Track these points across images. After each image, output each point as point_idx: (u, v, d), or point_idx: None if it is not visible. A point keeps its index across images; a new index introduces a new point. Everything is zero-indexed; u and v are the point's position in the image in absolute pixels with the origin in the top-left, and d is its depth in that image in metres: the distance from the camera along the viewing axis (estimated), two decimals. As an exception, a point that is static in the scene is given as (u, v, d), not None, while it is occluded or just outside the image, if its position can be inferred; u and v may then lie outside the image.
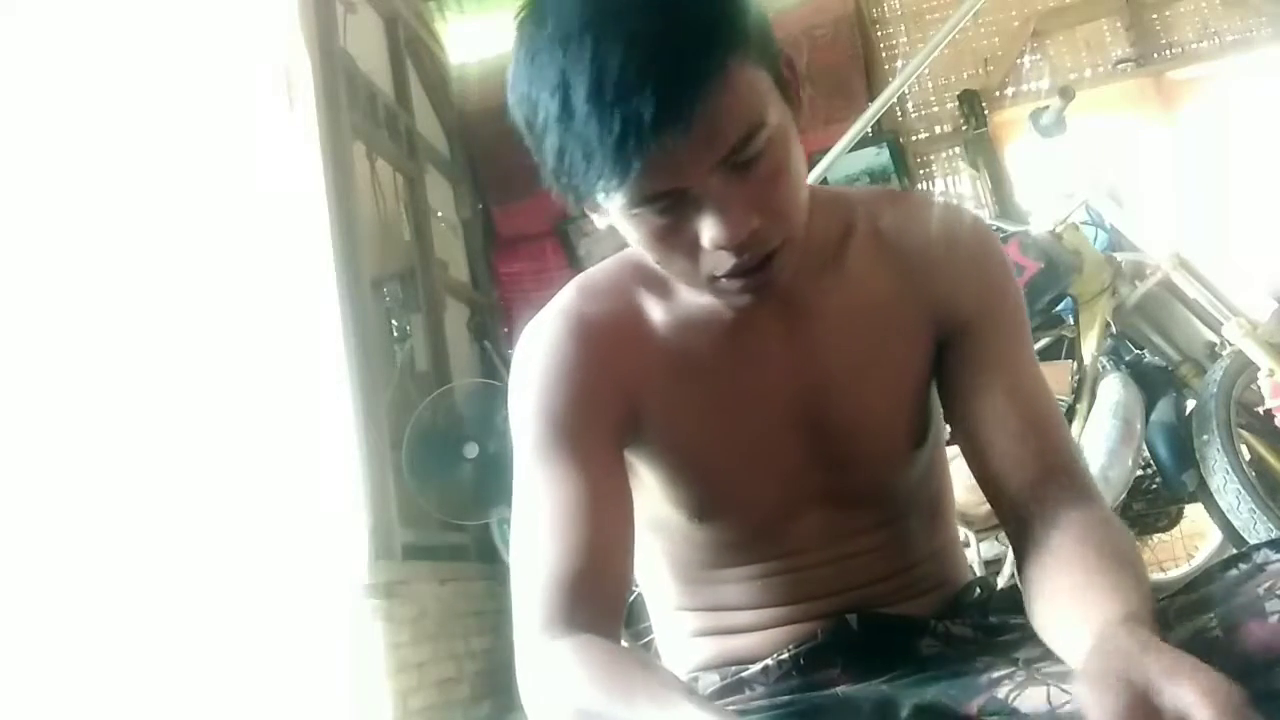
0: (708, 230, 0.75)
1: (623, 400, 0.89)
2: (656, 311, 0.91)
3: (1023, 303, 0.97)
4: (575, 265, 4.25)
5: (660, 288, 0.92)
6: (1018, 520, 0.86)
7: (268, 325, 2.88)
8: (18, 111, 2.99)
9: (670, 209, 0.75)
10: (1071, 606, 0.73)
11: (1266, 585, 0.70)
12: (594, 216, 0.84)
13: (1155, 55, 4.26)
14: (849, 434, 0.91)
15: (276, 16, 3.02)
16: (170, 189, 2.95)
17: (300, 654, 2.63)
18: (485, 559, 3.43)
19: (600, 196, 0.76)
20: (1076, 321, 2.57)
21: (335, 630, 2.66)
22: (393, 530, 2.87)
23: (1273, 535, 2.13)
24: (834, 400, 0.90)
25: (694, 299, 0.90)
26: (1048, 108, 2.89)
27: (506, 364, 4.10)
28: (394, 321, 3.49)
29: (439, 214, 4.04)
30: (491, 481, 3.35)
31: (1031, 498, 0.85)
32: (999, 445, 0.88)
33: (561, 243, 4.36)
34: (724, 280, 0.79)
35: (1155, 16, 4.29)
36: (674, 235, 0.77)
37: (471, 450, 3.33)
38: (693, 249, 0.77)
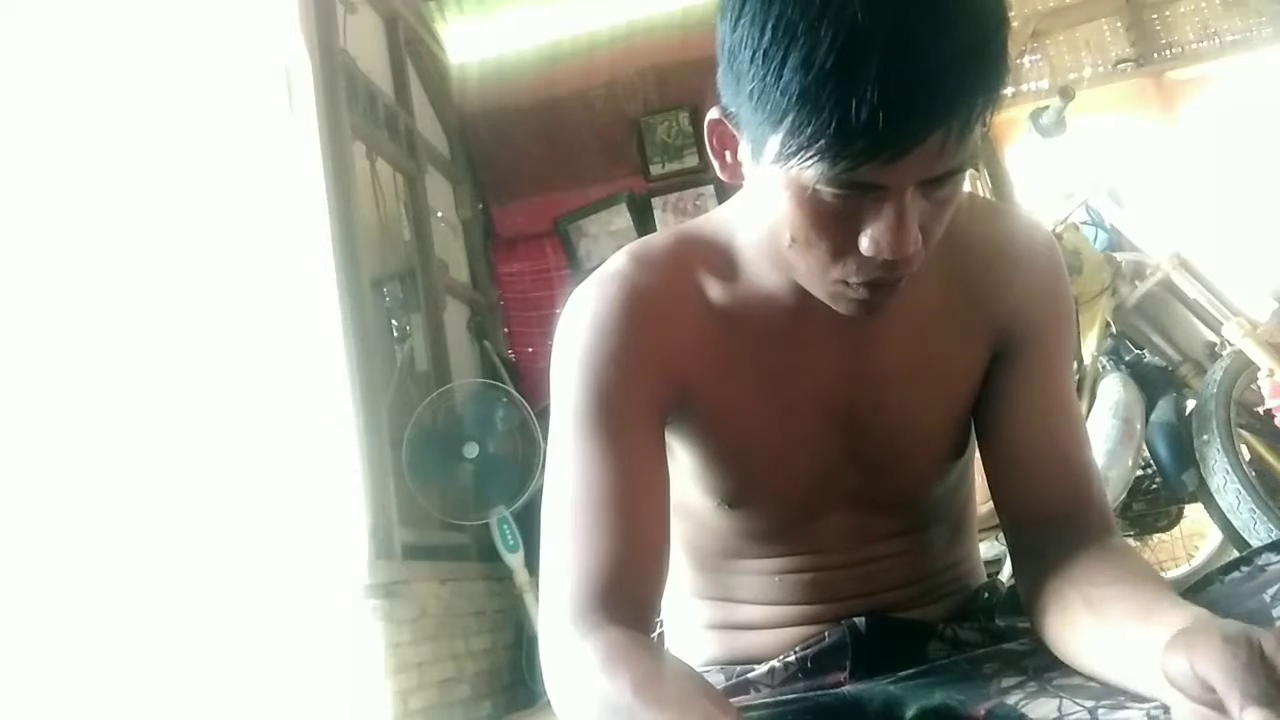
0: (879, 235, 0.70)
1: (669, 376, 0.85)
2: (714, 290, 0.87)
3: (1074, 324, 0.95)
4: (575, 265, 4.25)
5: (720, 267, 0.88)
6: (1029, 539, 0.87)
7: (268, 325, 2.88)
8: (19, 111, 2.99)
9: (853, 201, 0.70)
10: (1120, 607, 0.73)
11: (1273, 590, 0.70)
12: (729, 167, 0.78)
13: (1155, 55, 4.26)
14: (890, 439, 0.89)
15: (276, 16, 3.01)
16: (170, 189, 2.94)
17: (300, 654, 2.63)
18: (485, 559, 3.43)
19: (799, 156, 0.67)
20: (1076, 321, 2.57)
21: (335, 630, 2.66)
22: (393, 530, 2.86)
23: (1273, 536, 2.13)
24: (881, 404, 0.88)
25: (755, 284, 0.86)
26: (1048, 108, 2.89)
27: (506, 364, 4.12)
28: (394, 321, 3.49)
29: (439, 214, 4.04)
30: (491, 481, 3.35)
31: (1049, 526, 0.85)
32: (1026, 467, 0.88)
33: (562, 243, 4.35)
34: (852, 286, 0.75)
35: (1155, 16, 4.30)
36: (831, 226, 0.72)
37: (471, 450, 3.33)
38: (842, 245, 0.73)
